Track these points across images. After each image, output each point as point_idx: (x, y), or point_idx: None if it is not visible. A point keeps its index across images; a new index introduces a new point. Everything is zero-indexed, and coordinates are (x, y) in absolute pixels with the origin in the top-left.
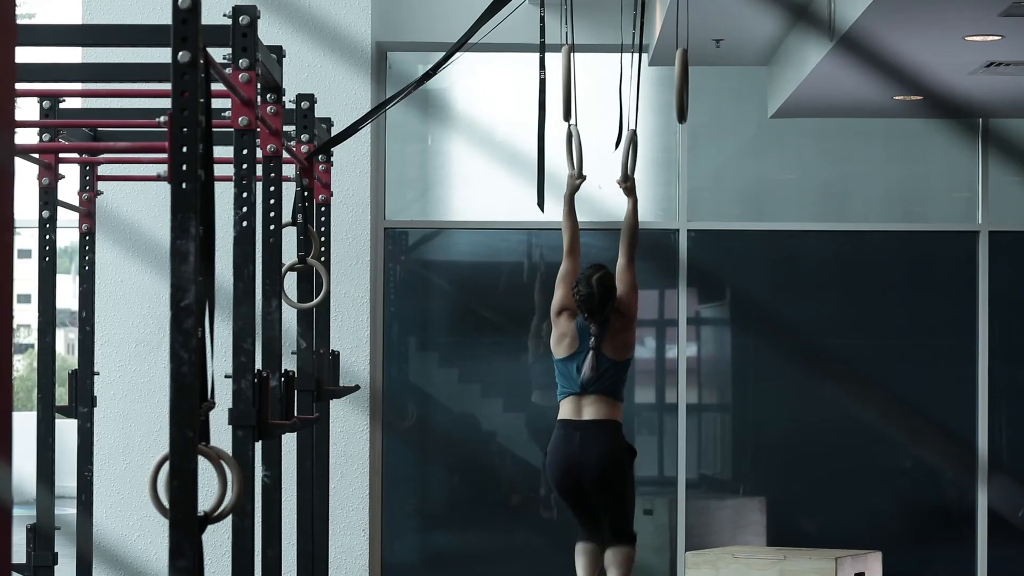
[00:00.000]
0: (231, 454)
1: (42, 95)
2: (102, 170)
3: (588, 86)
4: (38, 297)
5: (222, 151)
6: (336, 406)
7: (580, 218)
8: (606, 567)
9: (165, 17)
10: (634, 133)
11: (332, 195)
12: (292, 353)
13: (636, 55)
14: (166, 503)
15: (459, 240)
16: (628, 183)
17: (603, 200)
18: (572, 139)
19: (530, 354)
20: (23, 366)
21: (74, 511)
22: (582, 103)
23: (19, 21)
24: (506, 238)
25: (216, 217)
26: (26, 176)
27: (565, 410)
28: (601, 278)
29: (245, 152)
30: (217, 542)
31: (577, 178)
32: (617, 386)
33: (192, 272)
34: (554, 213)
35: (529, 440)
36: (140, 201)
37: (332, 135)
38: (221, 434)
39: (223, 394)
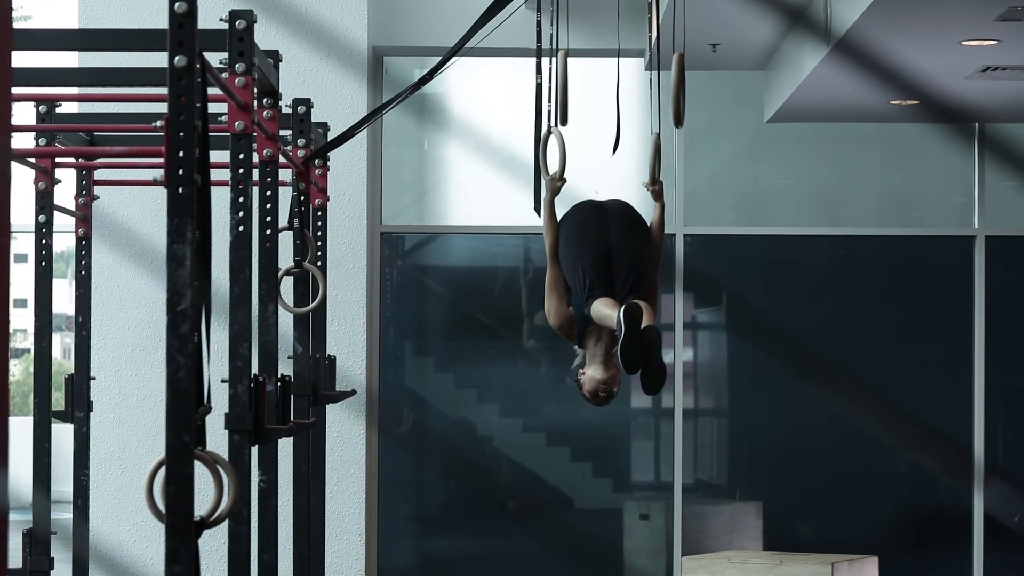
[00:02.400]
0: (227, 459)
1: (38, 99)
2: (98, 174)
3: (585, 90)
4: (34, 301)
5: (218, 155)
6: (332, 411)
7: None
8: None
9: (161, 21)
10: (658, 137)
11: (328, 200)
12: (288, 358)
13: (649, 57)
14: (162, 508)
15: (455, 245)
16: (656, 186)
17: None
18: (550, 140)
19: (524, 337)
20: (19, 371)
21: (70, 516)
22: (580, 108)
23: (15, 25)
24: (502, 243)
25: (212, 221)
26: (22, 180)
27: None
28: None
29: (241, 156)
30: (213, 547)
31: (558, 180)
32: None
33: (188, 276)
34: None
35: (525, 444)
36: (136, 206)
37: (328, 140)
38: (217, 439)
39: (219, 399)
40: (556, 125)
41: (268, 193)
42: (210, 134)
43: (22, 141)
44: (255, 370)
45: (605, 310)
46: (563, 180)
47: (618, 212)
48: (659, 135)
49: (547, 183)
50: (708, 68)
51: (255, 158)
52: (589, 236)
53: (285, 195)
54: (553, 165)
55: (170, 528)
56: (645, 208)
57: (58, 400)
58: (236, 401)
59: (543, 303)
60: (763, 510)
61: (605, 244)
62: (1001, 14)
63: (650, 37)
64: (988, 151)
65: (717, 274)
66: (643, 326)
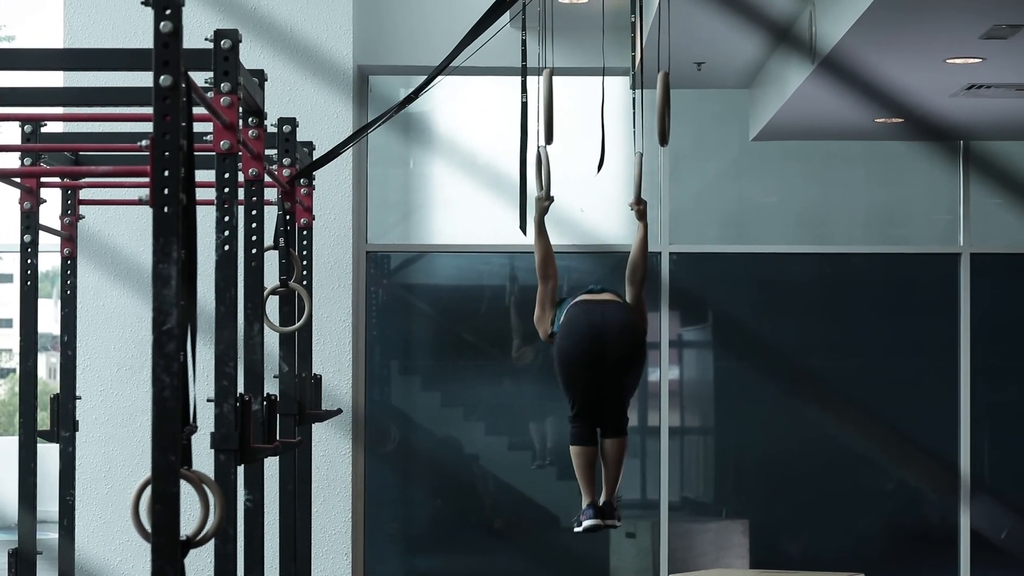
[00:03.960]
0: (213, 478)
1: (23, 119)
2: (84, 194)
3: (571, 109)
4: (20, 321)
5: (204, 175)
6: (318, 430)
7: (563, 241)
8: (604, 459)
9: (147, 41)
10: (641, 156)
11: (314, 219)
12: (274, 377)
13: (632, 76)
14: (148, 527)
15: (441, 263)
16: (641, 206)
17: (585, 222)
18: (541, 161)
19: (514, 350)
20: (4, 391)
21: (56, 535)
22: (565, 126)
23: (0, 45)
24: (488, 261)
25: (198, 241)
26: (7, 200)
27: (578, 299)
28: None
29: (227, 176)
30: (200, 566)
31: (545, 200)
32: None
33: (174, 296)
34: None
35: (511, 463)
36: (122, 225)
37: (314, 159)
38: (203, 458)
39: (205, 418)
40: (543, 146)
41: (254, 212)
42: (195, 153)
43: (7, 161)
44: (241, 389)
45: (579, 473)
46: (550, 199)
47: (613, 341)
48: (642, 155)
49: (535, 203)
50: (693, 86)
51: (240, 177)
52: (582, 372)
53: (271, 214)
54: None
55: (156, 548)
56: (630, 228)
57: (43, 420)
58: (222, 420)
59: (531, 318)
60: (750, 528)
61: (598, 382)
62: (985, 32)
63: (634, 56)
64: (973, 169)
65: (703, 292)
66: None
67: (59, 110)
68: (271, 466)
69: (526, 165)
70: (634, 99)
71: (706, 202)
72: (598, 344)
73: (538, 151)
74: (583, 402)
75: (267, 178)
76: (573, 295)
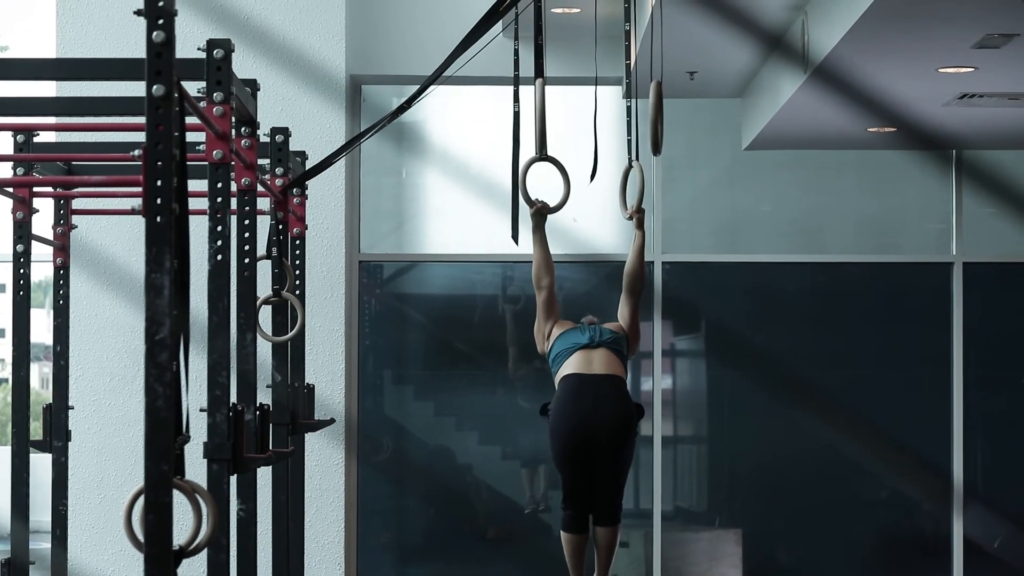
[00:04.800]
0: (206, 488)
1: (16, 129)
2: (76, 204)
3: (565, 118)
4: (12, 331)
5: (197, 184)
6: (311, 439)
7: (556, 251)
8: (596, 545)
9: (139, 51)
10: (630, 165)
11: (307, 228)
12: (267, 386)
13: (626, 84)
14: (141, 537)
15: (434, 273)
16: (640, 215)
17: (578, 232)
18: (531, 169)
19: (510, 368)
20: None
21: (49, 545)
22: (559, 135)
23: None
24: (481, 271)
25: (191, 250)
26: (0, 210)
27: (572, 365)
28: None
29: (220, 185)
30: None
31: (537, 205)
32: (622, 347)
33: (167, 306)
34: (529, 246)
35: (505, 472)
36: (115, 235)
37: (307, 168)
38: (196, 468)
39: (198, 428)
40: (539, 153)
41: (246, 222)
42: (188, 163)
43: None
44: (234, 399)
45: (569, 560)
46: (543, 204)
47: (605, 435)
48: (631, 162)
49: (530, 215)
50: (686, 96)
51: (233, 187)
52: (574, 461)
53: (263, 224)
54: (534, 193)
55: (149, 557)
56: (624, 237)
57: (36, 430)
58: (215, 430)
59: (526, 330)
60: (743, 537)
61: (590, 473)
62: (977, 41)
63: (628, 64)
64: (965, 178)
65: (696, 301)
66: None
67: (52, 120)
68: (264, 476)
69: (518, 174)
70: (628, 107)
71: (699, 211)
72: (590, 437)
73: (530, 158)
74: (576, 488)
75: (260, 188)
76: (567, 338)
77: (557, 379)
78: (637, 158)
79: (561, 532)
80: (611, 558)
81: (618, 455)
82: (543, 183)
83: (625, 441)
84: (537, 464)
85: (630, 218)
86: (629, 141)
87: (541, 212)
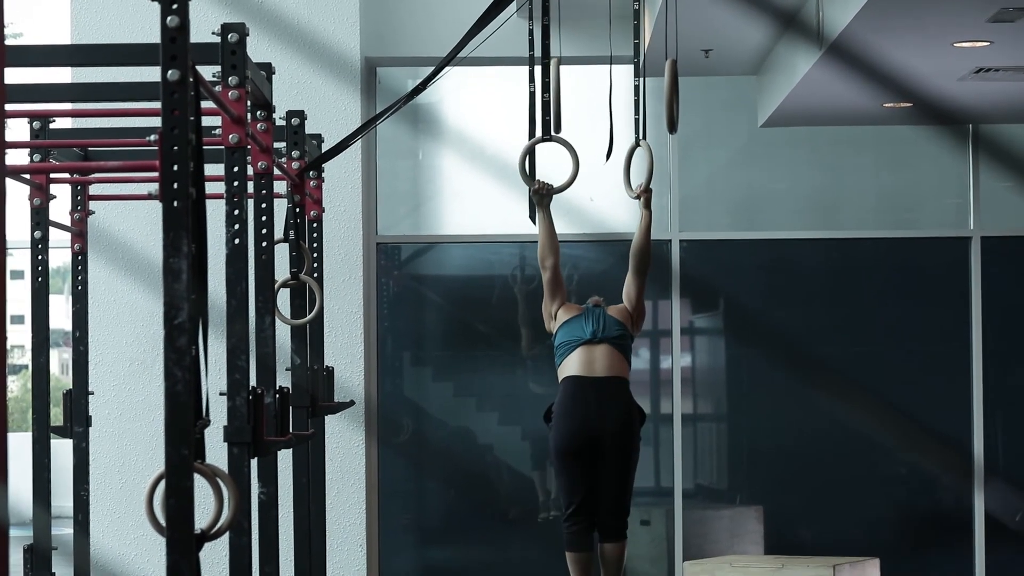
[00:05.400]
0: (227, 471)
1: (32, 115)
2: (93, 190)
3: (578, 98)
4: (31, 318)
5: (213, 169)
6: (331, 422)
7: (572, 230)
8: (603, 562)
9: (154, 36)
10: (647, 145)
11: (324, 211)
12: (286, 370)
13: (635, 64)
14: (163, 521)
15: (451, 254)
16: (648, 194)
17: (594, 211)
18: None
19: (523, 346)
20: (17, 387)
21: (71, 531)
22: (573, 115)
23: (7, 42)
24: (498, 251)
25: (208, 235)
26: (17, 197)
27: (574, 364)
28: None
29: (236, 169)
30: (215, 560)
31: (536, 187)
32: (626, 342)
33: (185, 290)
34: None
35: (525, 453)
36: (132, 220)
37: (323, 151)
38: (217, 452)
39: (218, 412)
40: (550, 133)
41: (263, 205)
42: (204, 147)
43: (16, 157)
44: (253, 382)
45: (573, 572)
46: (542, 185)
47: (608, 442)
48: (638, 141)
49: (530, 194)
50: (701, 74)
51: (249, 171)
52: (576, 469)
53: (280, 207)
54: (548, 174)
55: (171, 542)
56: (639, 216)
57: (57, 416)
58: (235, 414)
59: (533, 312)
60: (764, 514)
61: (593, 481)
62: (992, 15)
63: (636, 44)
64: (982, 152)
65: (713, 279)
66: None
67: (68, 106)
68: (284, 459)
69: (534, 154)
70: (636, 86)
71: (716, 189)
72: (592, 441)
73: (536, 139)
74: (578, 497)
75: (276, 171)
76: (572, 328)
77: (560, 375)
78: (644, 137)
79: (566, 552)
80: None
81: (621, 460)
82: (555, 163)
83: (628, 444)
84: (547, 466)
85: (637, 197)
86: (637, 120)
87: (540, 192)
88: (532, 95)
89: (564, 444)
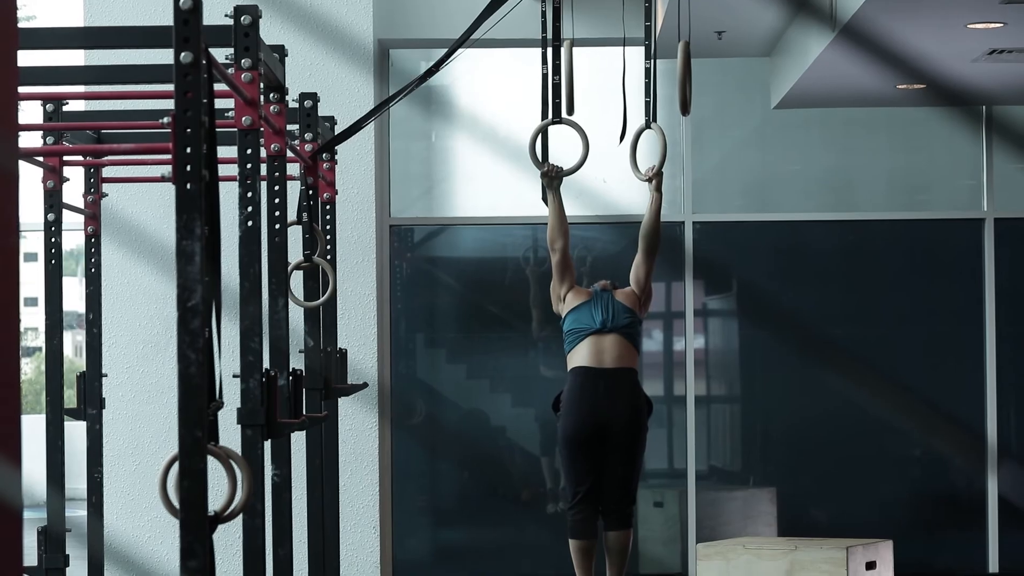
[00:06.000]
0: (240, 453)
1: (45, 98)
2: (106, 172)
3: (591, 80)
4: (45, 300)
5: (226, 151)
6: (344, 404)
7: (585, 212)
8: (608, 551)
9: (167, 18)
10: (659, 127)
11: (337, 193)
12: (299, 352)
13: (647, 46)
14: (176, 503)
15: (464, 236)
16: (659, 177)
17: (607, 193)
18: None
19: (534, 328)
20: (31, 369)
21: (84, 513)
22: (586, 97)
23: (20, 24)
24: (511, 233)
25: (221, 217)
26: (31, 179)
27: (583, 354)
28: None
29: (249, 152)
30: (228, 541)
31: (547, 171)
32: (635, 329)
33: (198, 272)
34: None
35: (538, 435)
36: (145, 202)
37: (335, 133)
38: (230, 434)
39: (231, 394)
40: (564, 115)
41: (276, 188)
42: (217, 130)
43: (29, 140)
44: (266, 364)
45: (578, 568)
46: (551, 167)
47: (616, 431)
48: (648, 123)
49: (540, 177)
50: (714, 56)
51: (263, 153)
52: (584, 458)
53: (293, 189)
54: (560, 157)
55: (184, 524)
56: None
57: (70, 398)
58: (248, 396)
59: (550, 289)
60: (777, 496)
61: (599, 469)
62: None
63: (648, 26)
64: (996, 134)
65: (727, 261)
66: None
67: (81, 88)
68: (298, 441)
69: (547, 137)
70: (647, 68)
71: (729, 171)
72: (600, 430)
73: (548, 122)
74: (584, 485)
75: (289, 153)
76: (581, 315)
77: (569, 364)
78: (655, 119)
79: (569, 540)
80: (624, 565)
81: (629, 449)
82: (568, 145)
83: (636, 434)
84: (557, 452)
85: (648, 180)
86: (647, 103)
87: (549, 175)
88: (545, 77)
89: (572, 433)
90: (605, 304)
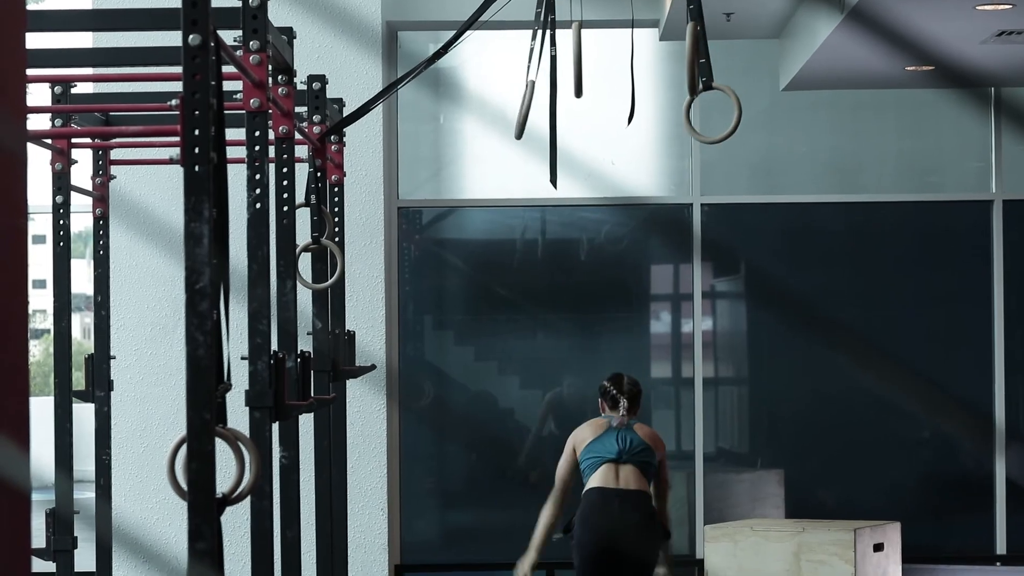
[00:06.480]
0: (248, 435)
1: (53, 81)
2: (115, 154)
3: (600, 62)
4: (53, 282)
5: (234, 133)
6: (352, 386)
7: (593, 194)
8: None
9: (175, 0)
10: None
11: (345, 175)
12: (308, 334)
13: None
14: (184, 486)
15: (473, 218)
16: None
17: (615, 175)
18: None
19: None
20: (39, 351)
21: (93, 495)
22: (595, 79)
23: (29, 6)
24: (519, 215)
25: (229, 199)
26: (39, 162)
27: (598, 478)
28: (631, 377)
29: (257, 134)
30: (236, 523)
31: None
32: (651, 459)
33: (206, 255)
34: (567, 190)
35: (547, 417)
36: (153, 185)
37: (344, 115)
38: (238, 416)
39: (239, 376)
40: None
41: (284, 170)
42: (225, 112)
43: (38, 122)
44: (275, 347)
45: None
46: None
47: (630, 552)
48: (707, 85)
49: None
50: (723, 37)
51: (271, 135)
52: (598, 570)
53: (301, 172)
54: (568, 135)
55: (192, 506)
56: (660, 180)
57: (78, 380)
58: (256, 378)
59: (562, 273)
60: (785, 478)
61: None
62: None
63: None
64: (1004, 115)
65: (735, 243)
66: None
67: (89, 71)
68: (306, 423)
69: (555, 119)
70: (696, 35)
71: (737, 153)
72: (613, 546)
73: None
74: None
75: (297, 135)
76: (597, 447)
77: (584, 490)
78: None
79: None
80: None
81: (642, 568)
82: (580, 126)
83: (649, 554)
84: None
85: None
86: (703, 64)
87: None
88: (553, 59)
89: (586, 548)
90: (623, 437)
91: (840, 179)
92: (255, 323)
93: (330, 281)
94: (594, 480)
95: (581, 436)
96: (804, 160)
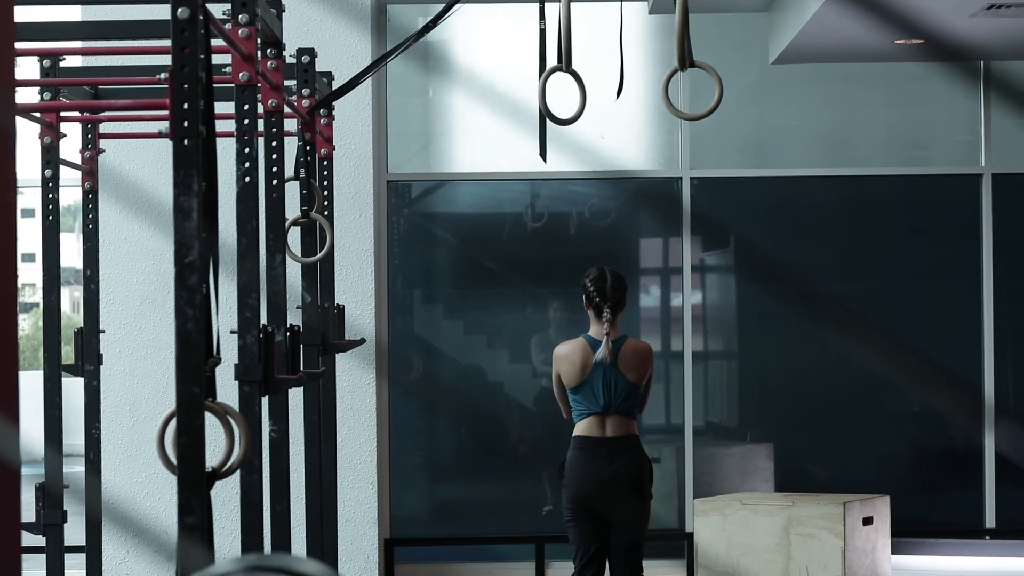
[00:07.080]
0: (238, 409)
1: (42, 54)
2: (103, 128)
3: (590, 35)
4: (42, 256)
5: (223, 107)
6: (342, 360)
7: (583, 168)
8: None
9: None
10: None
11: (334, 149)
12: (297, 308)
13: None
14: (174, 459)
15: (462, 192)
16: None
17: (605, 149)
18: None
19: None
20: (28, 325)
21: (82, 469)
22: (583, 53)
23: None
24: (509, 189)
25: (218, 173)
26: (28, 135)
27: (583, 428)
28: (614, 271)
29: (246, 107)
30: (226, 497)
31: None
32: (635, 406)
33: (195, 228)
34: (556, 163)
35: (535, 391)
36: (142, 158)
37: (333, 89)
38: (228, 390)
39: (229, 350)
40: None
41: (274, 143)
42: (214, 85)
43: (26, 96)
44: (264, 321)
45: None
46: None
47: (620, 500)
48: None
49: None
50: (712, 11)
51: (260, 109)
52: (590, 515)
53: (291, 145)
54: (556, 111)
55: (182, 479)
56: (649, 153)
57: (68, 354)
58: (245, 352)
59: (549, 247)
60: (774, 452)
61: (605, 528)
62: None
63: None
64: (994, 89)
65: (724, 217)
66: None
67: (78, 44)
68: (295, 397)
69: (545, 92)
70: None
71: (726, 126)
72: (604, 497)
73: (549, 69)
74: (592, 552)
75: (287, 109)
76: (581, 394)
77: (572, 434)
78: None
79: None
80: None
81: (634, 512)
82: (564, 96)
83: (640, 497)
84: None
85: None
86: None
87: None
88: (542, 32)
89: (577, 496)
90: (607, 380)
91: (830, 153)
92: (244, 297)
93: (319, 255)
94: (580, 428)
95: (566, 367)
96: (794, 134)
